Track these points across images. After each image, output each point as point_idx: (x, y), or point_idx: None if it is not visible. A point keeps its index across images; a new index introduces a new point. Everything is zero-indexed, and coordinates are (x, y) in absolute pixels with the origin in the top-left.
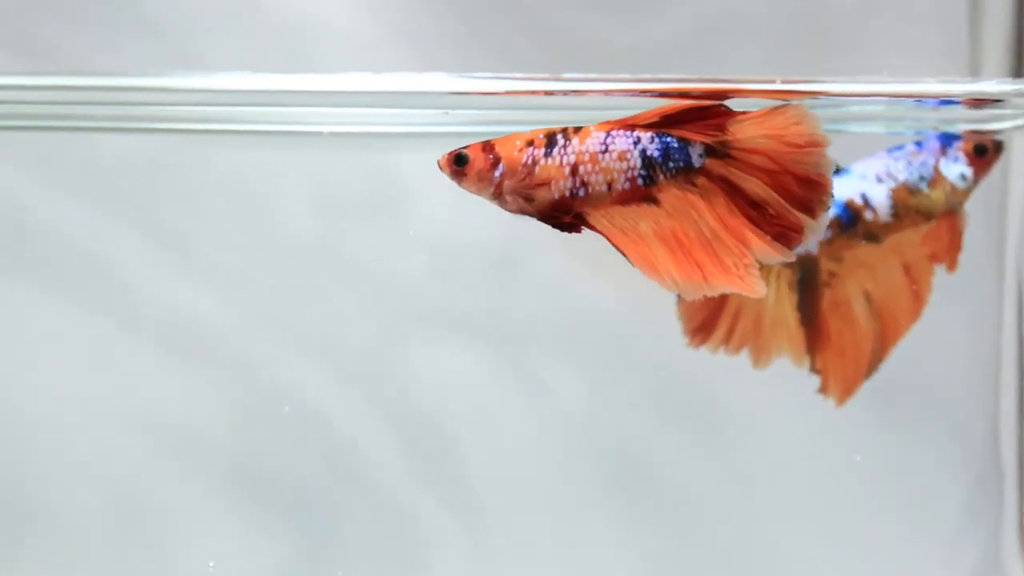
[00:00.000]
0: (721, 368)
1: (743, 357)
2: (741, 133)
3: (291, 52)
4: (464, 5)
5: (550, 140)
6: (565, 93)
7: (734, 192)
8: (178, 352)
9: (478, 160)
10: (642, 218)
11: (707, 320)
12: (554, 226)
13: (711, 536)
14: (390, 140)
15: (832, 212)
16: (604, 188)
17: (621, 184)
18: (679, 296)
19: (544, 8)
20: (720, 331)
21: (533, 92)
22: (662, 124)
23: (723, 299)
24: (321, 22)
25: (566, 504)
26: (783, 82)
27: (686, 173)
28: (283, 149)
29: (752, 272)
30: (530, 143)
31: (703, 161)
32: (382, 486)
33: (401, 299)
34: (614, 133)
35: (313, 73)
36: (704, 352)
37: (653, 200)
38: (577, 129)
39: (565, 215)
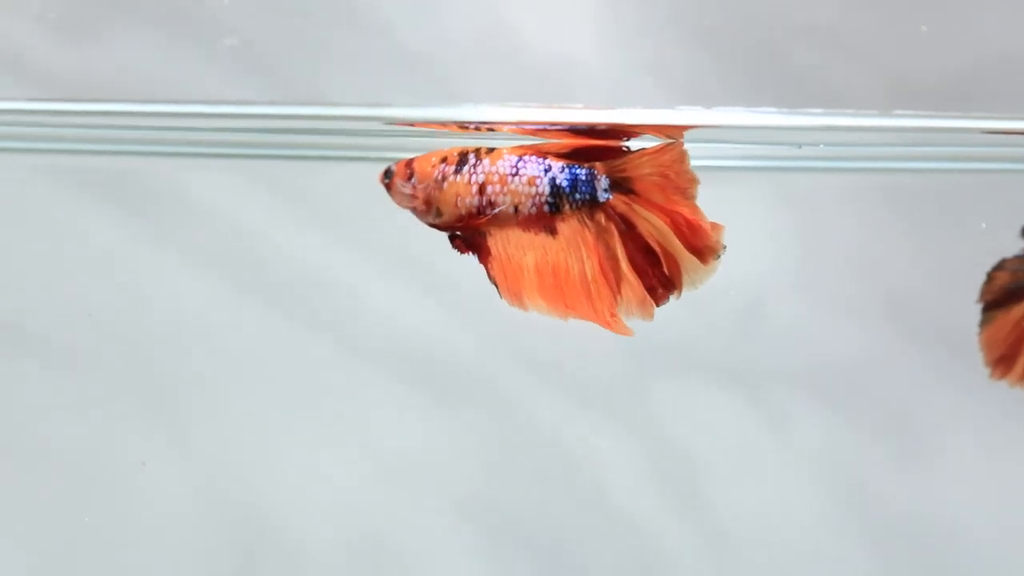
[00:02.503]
0: (946, 409)
1: (982, 396)
2: (640, 170)
3: (543, 85)
4: (705, 39)
5: (462, 158)
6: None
7: (630, 232)
8: (421, 384)
9: (400, 174)
10: (533, 249)
11: (1007, 353)
12: (452, 245)
13: (939, 564)
14: None
15: None
16: (511, 210)
17: (528, 208)
18: (981, 326)
19: (782, 44)
20: (1019, 365)
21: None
22: (572, 155)
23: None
24: (572, 58)
25: (806, 534)
26: None
27: (590, 207)
28: None
29: (618, 319)
30: (444, 160)
31: (608, 196)
32: (630, 521)
33: (650, 336)
34: (526, 158)
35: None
36: (933, 392)
37: (552, 230)
38: (491, 150)
39: (471, 231)
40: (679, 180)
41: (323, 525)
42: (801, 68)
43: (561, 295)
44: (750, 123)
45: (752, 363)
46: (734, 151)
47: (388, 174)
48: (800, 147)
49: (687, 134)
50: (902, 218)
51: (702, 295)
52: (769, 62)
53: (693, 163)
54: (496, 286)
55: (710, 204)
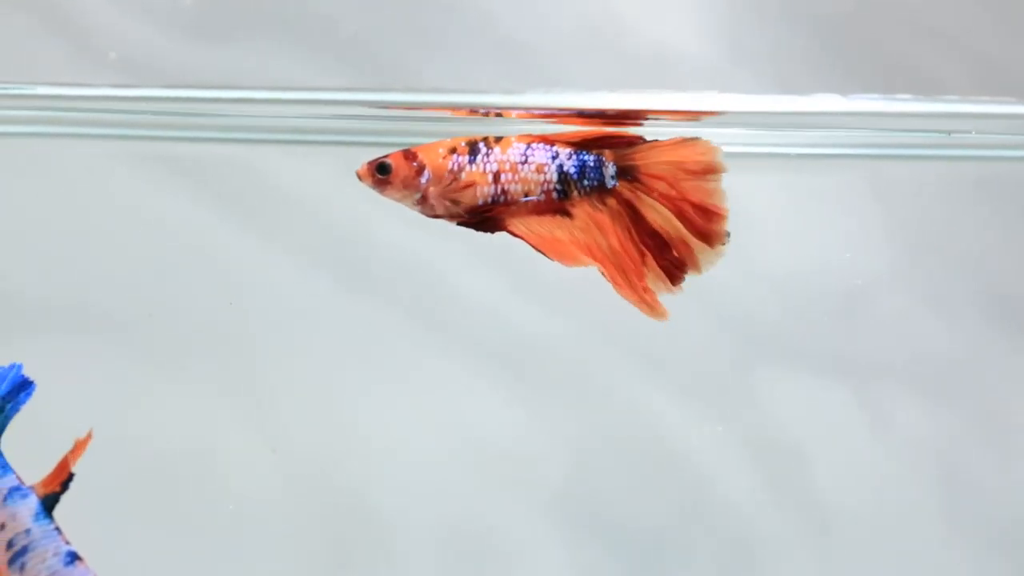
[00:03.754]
0: None
1: None
2: (647, 159)
3: (645, 74)
4: (812, 28)
5: (473, 148)
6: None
7: (637, 218)
8: (518, 373)
9: (403, 168)
10: (557, 227)
11: None
12: (475, 228)
13: None
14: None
15: None
16: (521, 197)
17: (537, 195)
18: None
19: (877, 31)
20: None
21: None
22: (579, 144)
23: None
24: (674, 46)
25: (906, 525)
26: None
27: (599, 192)
28: None
29: (652, 293)
30: (453, 151)
31: (615, 183)
32: (731, 510)
33: (746, 327)
34: (534, 146)
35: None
36: None
37: (566, 213)
38: (499, 139)
39: (486, 219)
40: (695, 167)
41: (418, 514)
42: (914, 56)
43: (600, 261)
44: (848, 110)
45: (851, 354)
46: (830, 139)
47: (385, 169)
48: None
49: (787, 120)
50: (1003, 210)
51: (801, 284)
52: (880, 51)
53: (791, 151)
54: (544, 254)
55: (808, 193)
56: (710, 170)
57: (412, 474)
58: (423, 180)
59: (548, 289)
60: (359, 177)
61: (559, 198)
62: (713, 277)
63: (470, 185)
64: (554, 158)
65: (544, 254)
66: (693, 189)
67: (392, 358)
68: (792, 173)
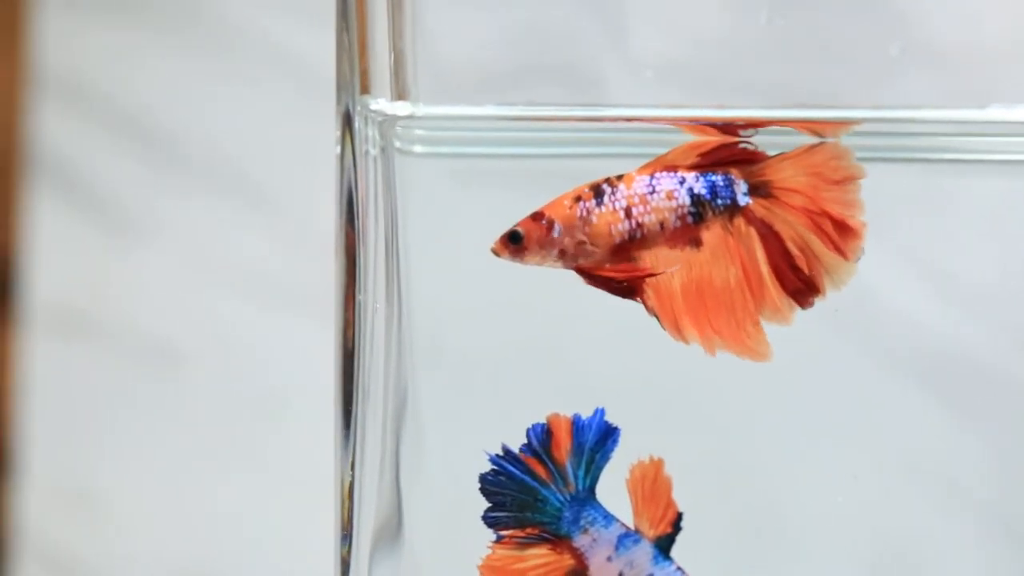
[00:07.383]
0: None
1: None
2: (780, 173)
3: None
4: None
5: (597, 191)
6: None
7: (770, 236)
8: (941, 390)
9: (533, 230)
10: (678, 270)
11: None
12: (611, 291)
13: None
14: None
15: None
16: (657, 228)
17: (673, 223)
18: None
19: None
20: None
21: None
22: (700, 164)
23: None
24: None
25: None
26: None
27: (731, 212)
28: None
29: (758, 333)
30: (578, 199)
31: (748, 200)
32: None
33: None
34: (658, 175)
35: None
36: None
37: (697, 242)
38: (620, 176)
39: (624, 260)
40: (835, 176)
41: (838, 534)
42: None
43: (706, 312)
44: None
45: None
46: None
47: (517, 238)
48: None
49: None
50: None
51: None
52: None
53: None
54: (657, 318)
55: None
56: (850, 177)
57: (836, 492)
58: (556, 234)
59: (974, 302)
60: (495, 253)
61: (694, 221)
62: None
63: (603, 229)
64: (682, 182)
65: (660, 320)
66: (833, 201)
67: (805, 368)
68: None
